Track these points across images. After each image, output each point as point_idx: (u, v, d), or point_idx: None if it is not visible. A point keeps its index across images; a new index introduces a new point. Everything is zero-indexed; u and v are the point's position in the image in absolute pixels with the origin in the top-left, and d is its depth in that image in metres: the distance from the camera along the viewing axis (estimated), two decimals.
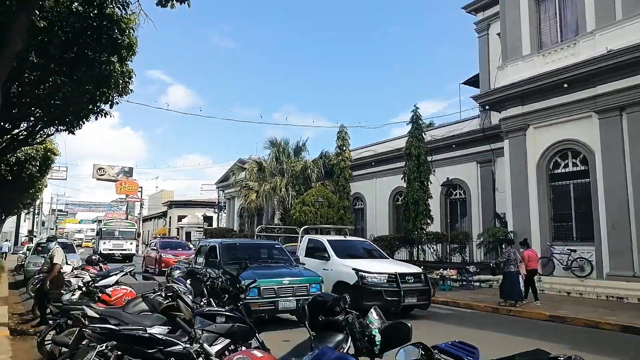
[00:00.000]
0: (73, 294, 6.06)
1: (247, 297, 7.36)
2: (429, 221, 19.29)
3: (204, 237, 40.12)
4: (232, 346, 3.97)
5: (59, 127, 6.61)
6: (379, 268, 9.92)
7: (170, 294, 5.50)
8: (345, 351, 3.28)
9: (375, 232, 26.32)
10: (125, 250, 32.90)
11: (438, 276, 14.42)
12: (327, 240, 11.39)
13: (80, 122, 6.27)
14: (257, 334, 4.14)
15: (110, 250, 31.70)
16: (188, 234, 46.54)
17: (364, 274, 9.46)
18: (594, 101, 13.68)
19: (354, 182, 26.82)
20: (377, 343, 3.30)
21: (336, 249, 10.95)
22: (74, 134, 6.80)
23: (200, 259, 10.25)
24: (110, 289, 6.23)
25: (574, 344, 7.73)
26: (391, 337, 2.48)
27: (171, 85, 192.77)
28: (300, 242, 12.02)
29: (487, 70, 21.72)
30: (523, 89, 15.71)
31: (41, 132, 7.11)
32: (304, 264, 10.47)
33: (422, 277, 10.24)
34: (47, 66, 4.87)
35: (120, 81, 5.51)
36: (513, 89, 16.00)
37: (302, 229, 13.68)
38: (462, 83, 23.93)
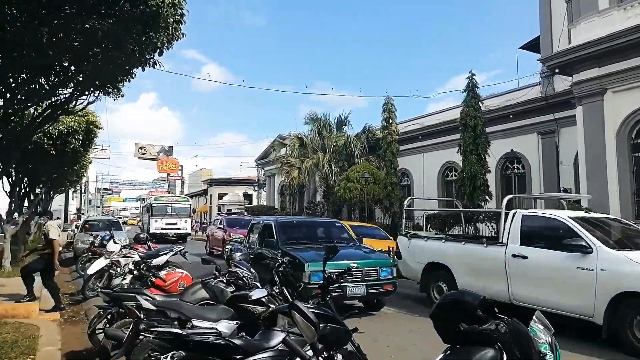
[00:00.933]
0: (124, 278, 5.42)
1: (311, 282, 6.56)
2: (487, 197, 17.97)
3: (242, 214, 38.57)
4: (324, 353, 3.10)
5: (101, 87, 5.84)
6: None
7: (233, 280, 4.73)
8: None
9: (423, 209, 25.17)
10: (179, 229, 28.75)
11: None
12: (572, 218, 6.80)
13: (126, 77, 5.45)
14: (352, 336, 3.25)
15: (162, 229, 27.79)
16: (229, 212, 46.60)
17: None
18: None
19: (399, 157, 25.58)
20: None
21: (594, 233, 6.55)
22: (119, 89, 6.00)
23: (253, 239, 9.58)
24: (163, 272, 5.55)
25: None
26: None
27: (205, 64, 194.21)
28: (508, 221, 7.63)
29: (549, 32, 19.77)
30: (600, 49, 13.93)
31: (82, 96, 6.40)
32: (524, 256, 6.90)
33: None
34: (82, 5, 4.04)
35: (170, 20, 4.54)
36: (588, 48, 14.23)
37: (505, 199, 8.36)
38: (520, 48, 22.02)
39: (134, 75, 5.76)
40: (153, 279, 5.28)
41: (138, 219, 69.59)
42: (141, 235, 10.74)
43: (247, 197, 50.57)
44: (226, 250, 10.87)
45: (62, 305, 7.92)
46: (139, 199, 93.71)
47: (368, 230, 17.43)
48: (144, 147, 61.44)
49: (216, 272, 4.90)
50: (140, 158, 60.73)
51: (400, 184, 27.65)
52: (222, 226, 20.16)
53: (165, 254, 9.46)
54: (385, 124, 23.68)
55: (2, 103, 5.78)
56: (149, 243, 10.74)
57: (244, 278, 4.63)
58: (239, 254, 5.22)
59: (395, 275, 7.73)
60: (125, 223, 38.87)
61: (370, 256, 7.84)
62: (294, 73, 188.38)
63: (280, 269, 4.40)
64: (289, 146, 29.44)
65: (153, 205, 29.62)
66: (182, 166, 62.48)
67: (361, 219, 23.37)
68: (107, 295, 4.51)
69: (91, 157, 21.26)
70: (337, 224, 9.96)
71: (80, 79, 5.60)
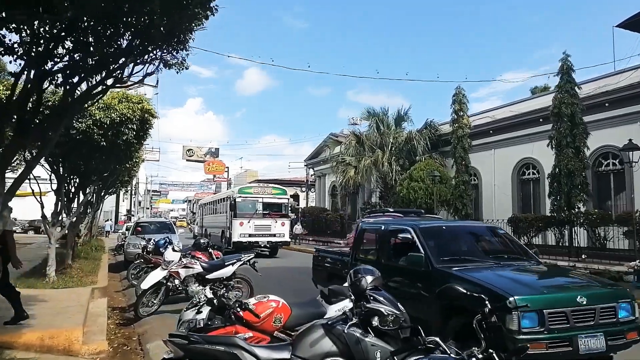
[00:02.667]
0: (198, 311, 3.70)
1: (523, 329, 3.93)
2: (585, 197, 15.45)
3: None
4: None
5: (165, 41, 4.31)
6: None
7: (384, 326, 2.89)
8: None
9: (493, 211, 22.70)
10: (275, 236, 19.93)
11: (633, 269, 10.83)
12: None
13: (193, 21, 3.91)
14: None
15: (249, 236, 19.26)
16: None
17: None
18: None
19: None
20: None
21: None
22: (185, 49, 4.51)
23: (368, 252, 6.81)
24: (253, 300, 3.79)
25: None
26: None
27: (247, 67, 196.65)
28: None
29: None
30: None
31: (138, 60, 4.84)
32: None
33: None
34: None
35: None
36: None
37: None
38: (617, 26, 19.05)
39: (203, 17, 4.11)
40: (240, 312, 3.56)
41: (187, 220, 69.93)
42: (201, 241, 9.17)
43: (295, 198, 49.20)
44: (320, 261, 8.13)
45: (25, 314, 5.85)
46: (186, 201, 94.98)
47: None
48: (191, 150, 61.60)
49: (346, 310, 3.09)
50: (188, 160, 60.87)
51: None
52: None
53: (232, 264, 7.85)
54: (456, 116, 21.39)
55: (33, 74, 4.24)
56: (210, 250, 9.17)
57: (398, 323, 2.81)
58: (370, 277, 3.38)
59: (638, 315, 4.54)
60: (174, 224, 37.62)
61: (595, 283, 4.87)
62: (335, 75, 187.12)
63: (491, 319, 2.51)
64: (344, 144, 27.53)
65: (237, 200, 19.91)
66: (228, 168, 62.02)
67: None
68: (180, 347, 2.80)
69: (144, 154, 20.18)
70: (500, 231, 6.71)
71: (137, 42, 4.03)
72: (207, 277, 7.69)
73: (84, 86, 4.89)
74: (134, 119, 8.94)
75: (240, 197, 20.21)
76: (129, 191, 45.00)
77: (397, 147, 25.50)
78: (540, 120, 20.59)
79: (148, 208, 72.95)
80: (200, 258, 8.03)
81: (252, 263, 7.98)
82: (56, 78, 4.67)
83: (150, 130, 9.99)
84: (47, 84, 4.60)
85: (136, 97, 9.39)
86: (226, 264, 7.77)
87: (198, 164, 63.90)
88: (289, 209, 21.77)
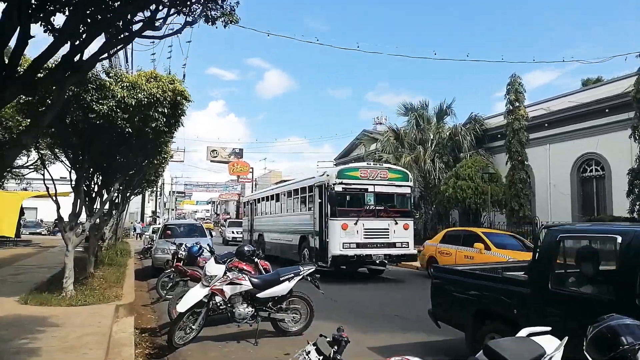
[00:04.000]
0: None
1: None
2: None
3: None
4: None
5: None
6: None
7: None
8: None
9: (549, 214, 20.61)
10: (395, 246, 12.80)
11: None
12: None
13: None
14: None
15: (357, 247, 12.31)
16: None
17: None
18: None
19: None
20: None
21: None
22: None
23: (568, 279, 4.31)
24: None
25: None
26: None
27: (268, 70, 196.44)
28: None
29: None
30: None
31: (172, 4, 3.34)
32: None
33: None
34: None
35: None
36: None
37: None
38: None
39: None
40: None
41: (211, 222, 69.20)
42: (245, 249, 7.55)
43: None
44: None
45: None
46: (210, 202, 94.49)
47: (501, 238, 13.45)
48: (215, 150, 60.81)
49: None
50: (212, 161, 60.05)
51: None
52: None
53: (289, 279, 6.23)
54: (511, 107, 19.40)
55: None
56: (256, 259, 7.58)
57: None
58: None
59: None
60: None
61: None
62: (354, 76, 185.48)
63: None
64: (382, 141, 25.77)
65: (337, 189, 12.55)
66: (252, 168, 60.98)
67: (475, 225, 19.27)
68: None
69: (172, 152, 18.71)
70: None
71: None
72: (257, 295, 6.11)
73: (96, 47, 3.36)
74: (165, 102, 7.43)
75: (341, 184, 12.56)
76: (155, 192, 44.13)
77: (440, 143, 23.65)
78: (607, 110, 18.50)
79: (173, 209, 72.57)
80: (249, 272, 6.45)
81: (313, 278, 6.36)
82: (52, 20, 3.14)
83: (182, 117, 8.47)
84: (43, 28, 3.06)
85: (167, 76, 7.89)
86: (281, 279, 6.16)
87: (221, 165, 63.10)
88: (413, 203, 14.37)
